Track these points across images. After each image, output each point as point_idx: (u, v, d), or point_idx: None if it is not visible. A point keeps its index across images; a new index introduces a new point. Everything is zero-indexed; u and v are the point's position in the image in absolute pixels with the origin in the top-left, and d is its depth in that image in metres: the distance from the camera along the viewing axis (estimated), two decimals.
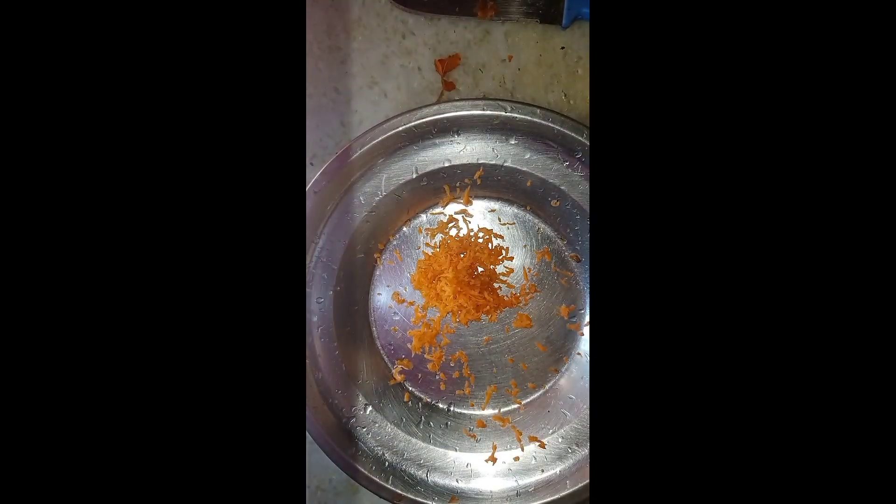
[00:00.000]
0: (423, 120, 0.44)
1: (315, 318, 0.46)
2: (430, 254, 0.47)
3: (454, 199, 0.47)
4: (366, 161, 0.45)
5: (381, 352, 0.48)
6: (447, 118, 0.44)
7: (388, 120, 0.44)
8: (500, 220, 0.48)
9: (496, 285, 0.47)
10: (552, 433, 0.46)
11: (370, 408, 0.47)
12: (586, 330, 0.47)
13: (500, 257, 0.47)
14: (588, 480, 0.43)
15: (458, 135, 0.45)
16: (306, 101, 0.48)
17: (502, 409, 0.48)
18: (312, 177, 0.44)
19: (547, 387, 0.47)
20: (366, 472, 0.45)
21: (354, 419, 0.47)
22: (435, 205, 0.48)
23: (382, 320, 0.48)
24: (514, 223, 0.47)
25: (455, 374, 0.48)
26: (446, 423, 0.48)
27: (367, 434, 0.46)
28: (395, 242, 0.48)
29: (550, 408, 0.47)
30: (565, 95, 0.47)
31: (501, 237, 0.47)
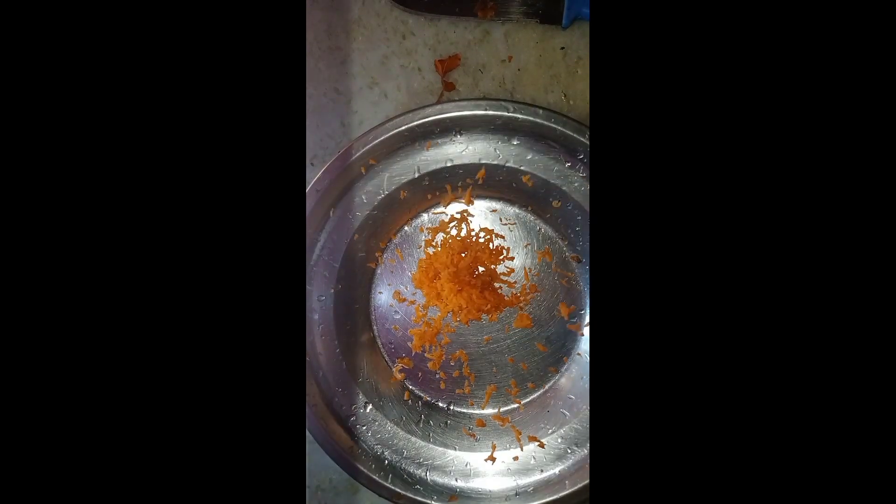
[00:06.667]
0: (426, 119, 0.44)
1: (316, 316, 0.46)
2: (431, 253, 0.47)
3: (456, 199, 0.48)
4: (368, 160, 0.45)
5: (382, 350, 0.49)
6: (449, 118, 0.44)
7: (391, 119, 0.44)
8: (501, 220, 0.48)
9: (497, 285, 0.47)
10: (552, 433, 0.46)
11: (370, 406, 0.47)
12: (586, 330, 0.47)
13: (501, 257, 0.47)
14: (587, 481, 0.43)
15: (461, 135, 0.45)
16: (306, 101, 0.48)
17: (502, 409, 0.48)
18: (313, 176, 0.44)
19: (546, 387, 0.47)
20: (366, 471, 0.45)
21: (354, 417, 0.47)
22: (436, 204, 0.48)
23: (383, 319, 0.48)
24: (515, 223, 0.47)
25: (455, 374, 0.48)
26: (446, 422, 0.48)
27: (367, 432, 0.47)
28: (396, 241, 0.48)
29: (550, 408, 0.47)
30: (565, 96, 0.47)
31: (502, 237, 0.47)
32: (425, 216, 0.48)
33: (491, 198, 0.47)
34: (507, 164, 0.45)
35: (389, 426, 0.47)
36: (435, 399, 0.48)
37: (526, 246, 0.47)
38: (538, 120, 0.43)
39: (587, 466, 0.44)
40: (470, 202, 0.47)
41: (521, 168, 0.45)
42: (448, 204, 0.48)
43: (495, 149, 0.45)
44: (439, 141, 0.45)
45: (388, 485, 0.45)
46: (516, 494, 0.45)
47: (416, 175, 0.46)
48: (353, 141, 0.44)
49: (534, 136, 0.44)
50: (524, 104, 0.43)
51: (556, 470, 0.45)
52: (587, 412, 0.45)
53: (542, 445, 0.46)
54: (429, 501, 0.44)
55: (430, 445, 0.47)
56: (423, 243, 0.48)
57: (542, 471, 0.45)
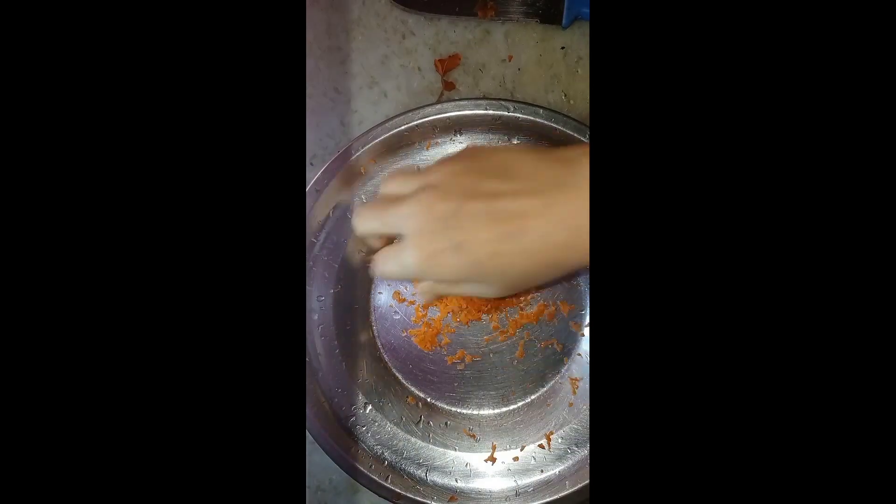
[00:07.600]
0: (426, 119, 0.44)
1: (316, 317, 0.46)
2: None
3: None
4: (368, 160, 0.45)
5: (382, 351, 0.48)
6: (449, 118, 0.44)
7: (391, 119, 0.44)
8: None
9: None
10: (552, 433, 0.46)
11: (370, 407, 0.47)
12: (587, 330, 0.47)
13: None
14: (587, 481, 0.43)
15: (461, 134, 0.45)
16: (306, 101, 0.48)
17: (502, 409, 0.48)
18: (313, 176, 0.44)
19: (547, 387, 0.47)
20: (365, 472, 0.45)
21: (354, 418, 0.47)
22: None
23: (383, 319, 0.48)
24: None
25: (455, 374, 0.48)
26: (446, 423, 0.47)
27: (367, 433, 0.47)
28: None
29: (550, 408, 0.47)
30: (565, 95, 0.47)
31: None
32: None
33: None
34: None
35: (389, 427, 0.47)
36: (435, 400, 0.48)
37: None
38: (538, 120, 0.43)
39: (587, 466, 0.44)
40: None
41: None
42: None
43: None
44: (439, 141, 0.45)
45: (388, 485, 0.45)
46: (517, 495, 0.45)
47: None
48: (353, 141, 0.44)
49: (534, 135, 0.44)
50: (524, 104, 0.43)
51: (557, 470, 0.45)
52: (587, 412, 0.45)
53: (542, 446, 0.46)
54: (429, 502, 0.44)
55: (430, 446, 0.47)
56: None
57: (542, 471, 0.45)
